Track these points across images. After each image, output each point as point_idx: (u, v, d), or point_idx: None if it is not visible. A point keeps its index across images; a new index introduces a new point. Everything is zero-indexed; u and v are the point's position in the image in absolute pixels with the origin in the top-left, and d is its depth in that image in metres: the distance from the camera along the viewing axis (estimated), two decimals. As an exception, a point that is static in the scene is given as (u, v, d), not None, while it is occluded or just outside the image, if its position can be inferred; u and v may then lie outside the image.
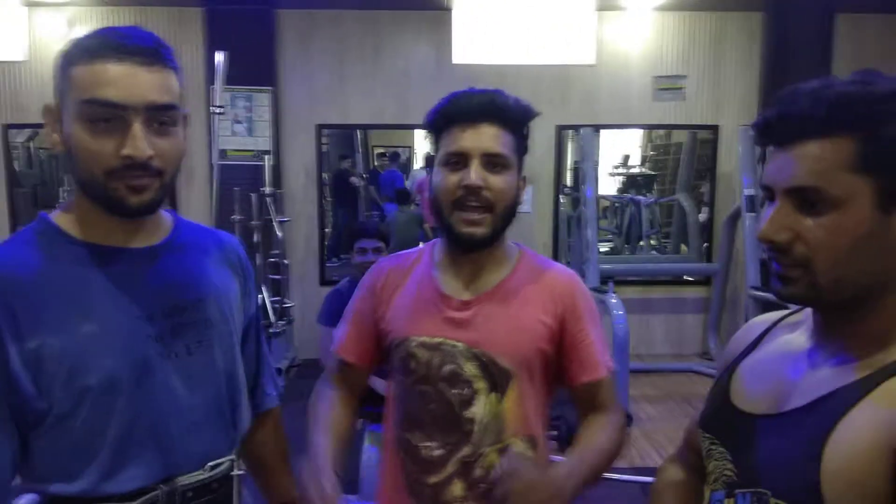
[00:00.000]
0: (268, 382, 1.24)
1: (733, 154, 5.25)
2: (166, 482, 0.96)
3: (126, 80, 0.88)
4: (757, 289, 4.64)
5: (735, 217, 5.03)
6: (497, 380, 1.16)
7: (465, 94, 1.16)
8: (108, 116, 0.88)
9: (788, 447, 0.77)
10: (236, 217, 4.66)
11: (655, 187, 7.75)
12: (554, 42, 4.84)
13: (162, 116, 0.91)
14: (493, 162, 1.13)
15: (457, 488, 1.17)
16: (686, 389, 4.78)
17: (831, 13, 5.01)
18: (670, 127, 5.56)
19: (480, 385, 1.16)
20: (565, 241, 5.59)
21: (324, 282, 5.36)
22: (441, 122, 1.17)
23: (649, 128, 5.84)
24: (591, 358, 1.19)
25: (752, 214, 4.72)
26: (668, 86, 5.24)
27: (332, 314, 3.16)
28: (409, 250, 1.32)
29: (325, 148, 5.56)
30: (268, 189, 4.74)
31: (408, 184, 7.84)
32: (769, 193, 0.79)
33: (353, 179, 7.49)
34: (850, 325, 0.78)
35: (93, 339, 0.91)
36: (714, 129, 5.40)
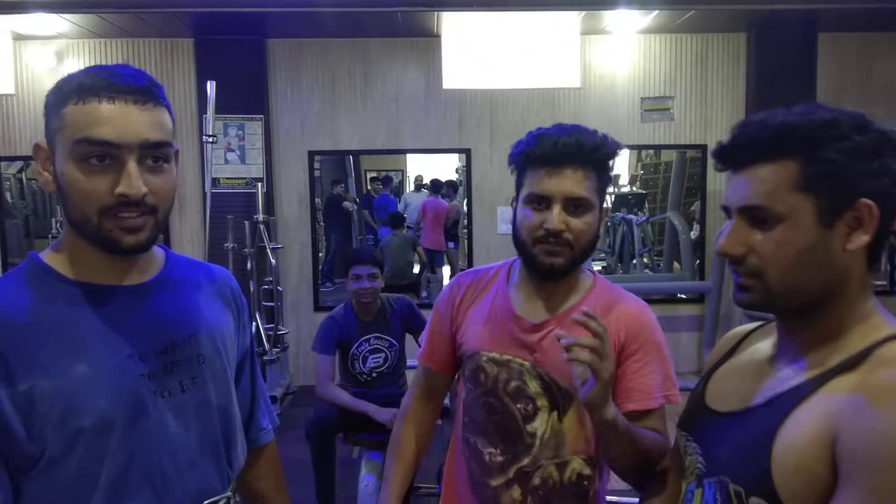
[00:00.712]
0: (263, 416, 1.24)
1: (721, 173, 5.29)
2: None
3: (119, 119, 0.89)
4: (750, 306, 4.66)
5: (726, 235, 5.06)
6: (558, 400, 1.23)
7: (550, 136, 1.19)
8: (102, 155, 0.88)
9: (745, 439, 0.85)
10: (229, 245, 4.66)
11: (647, 206, 7.79)
12: (540, 66, 4.89)
13: (155, 153, 0.92)
14: (574, 204, 1.18)
15: (515, 492, 1.25)
16: (682, 408, 4.76)
17: (813, 33, 5.10)
18: (658, 147, 5.61)
19: (543, 402, 1.24)
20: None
21: (318, 308, 5.34)
22: (525, 160, 1.22)
23: (637, 148, 5.89)
24: (642, 388, 1.22)
25: (743, 232, 4.75)
26: (655, 107, 5.30)
27: (326, 341, 3.16)
28: (486, 266, 1.39)
29: (317, 173, 5.57)
30: (261, 216, 4.74)
31: (400, 207, 7.86)
32: (727, 212, 0.89)
33: (346, 204, 7.50)
34: (804, 329, 0.87)
35: (85, 379, 0.90)
36: (702, 148, 5.45)
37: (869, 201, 0.80)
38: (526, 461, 1.24)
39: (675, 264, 6.49)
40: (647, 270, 7.01)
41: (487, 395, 1.27)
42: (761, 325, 1.02)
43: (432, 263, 7.31)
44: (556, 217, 1.17)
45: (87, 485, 0.90)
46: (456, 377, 1.43)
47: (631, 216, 7.27)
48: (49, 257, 0.97)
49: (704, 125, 5.41)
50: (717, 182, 5.45)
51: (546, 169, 1.18)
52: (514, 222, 1.25)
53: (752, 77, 5.26)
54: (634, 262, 7.15)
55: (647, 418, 1.22)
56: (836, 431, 0.75)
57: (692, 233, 5.92)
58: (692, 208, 6.08)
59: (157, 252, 1.07)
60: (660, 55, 5.35)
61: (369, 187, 8.52)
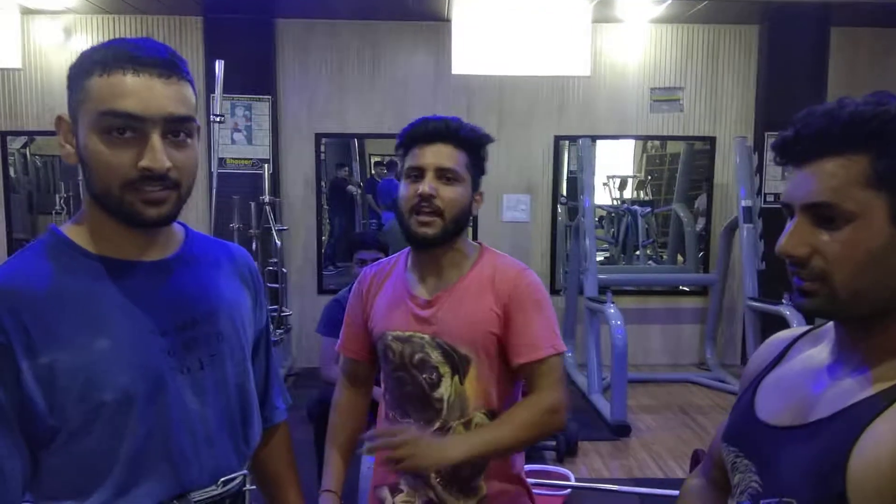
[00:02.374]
0: (277, 396, 1.24)
1: (729, 165, 5.28)
2: (179, 498, 0.95)
3: (144, 92, 0.88)
4: (754, 299, 4.66)
5: (732, 228, 5.06)
6: (458, 364, 1.36)
7: (426, 119, 1.37)
8: (126, 128, 0.87)
9: (813, 457, 0.78)
10: (235, 225, 4.65)
11: (652, 196, 7.78)
12: (551, 54, 4.86)
13: (179, 128, 0.91)
14: (444, 175, 1.32)
15: None
16: (683, 400, 4.79)
17: (826, 27, 5.07)
18: (667, 138, 5.59)
19: (445, 370, 1.36)
20: (563, 250, 5.60)
21: (321, 290, 5.35)
22: (407, 141, 1.37)
23: (646, 139, 5.87)
24: (529, 341, 1.34)
25: (749, 225, 4.75)
26: (664, 97, 5.27)
27: (331, 324, 3.15)
28: (387, 258, 1.54)
29: (322, 157, 5.55)
30: (267, 197, 4.74)
31: (403, 192, 7.83)
32: (788, 210, 0.81)
33: (350, 188, 7.49)
34: (870, 337, 0.80)
35: (106, 354, 0.90)
36: (711, 140, 5.43)
37: None
38: (437, 424, 1.35)
39: (679, 257, 6.49)
40: (650, 262, 7.01)
41: (397, 369, 1.38)
42: (809, 331, 0.96)
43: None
44: (426, 183, 1.30)
45: (106, 460, 0.90)
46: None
47: (635, 207, 7.26)
48: (70, 230, 0.96)
49: (713, 117, 5.39)
50: (724, 175, 5.44)
51: (420, 145, 1.33)
52: (396, 201, 1.38)
53: (763, 70, 5.23)
54: (637, 253, 7.16)
55: (535, 372, 1.34)
56: None
57: (696, 225, 5.92)
58: (696, 202, 6.07)
59: (178, 228, 1.06)
60: (671, 46, 5.32)
61: (373, 172, 8.51)
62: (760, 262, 4.72)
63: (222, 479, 1.00)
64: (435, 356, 1.36)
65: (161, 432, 0.93)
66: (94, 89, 0.88)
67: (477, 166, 1.38)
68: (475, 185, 1.39)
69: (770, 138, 5.14)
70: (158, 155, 0.88)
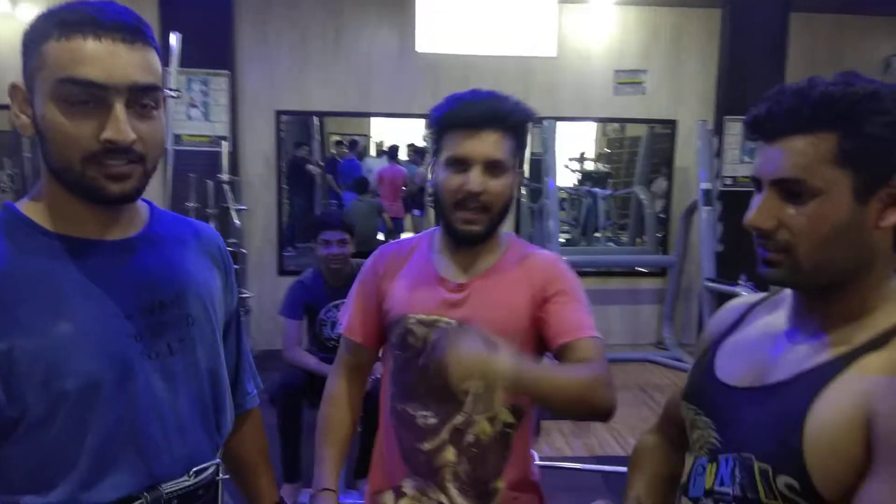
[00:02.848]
0: (248, 380, 1.19)
1: (690, 149, 5.35)
2: (150, 490, 0.90)
3: (107, 59, 0.81)
4: (712, 280, 4.75)
5: (691, 210, 5.13)
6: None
7: (468, 100, 1.22)
8: (87, 97, 0.81)
9: (773, 416, 0.83)
10: (192, 204, 4.51)
11: (610, 182, 7.85)
12: (516, 34, 4.82)
13: (144, 98, 0.85)
14: (492, 167, 1.21)
15: (449, 453, 1.27)
16: (643, 379, 4.87)
17: (786, 12, 5.15)
18: (630, 121, 5.63)
19: None
20: (527, 232, 5.61)
21: (282, 272, 5.26)
22: (444, 124, 1.24)
23: (609, 121, 5.90)
24: (568, 322, 1.25)
25: (709, 208, 4.83)
26: (628, 80, 5.29)
27: (294, 306, 3.10)
28: (410, 237, 1.43)
29: (281, 134, 5.43)
30: (225, 176, 4.60)
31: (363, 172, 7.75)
32: (757, 184, 0.85)
33: (310, 167, 7.35)
34: (828, 305, 0.85)
35: (69, 339, 0.84)
36: (672, 123, 5.48)
37: None
38: (459, 419, 1.26)
39: (637, 238, 6.58)
40: (610, 244, 7.09)
41: (418, 356, 1.26)
42: (764, 298, 1.01)
43: (394, 230, 7.26)
44: (474, 179, 1.20)
45: (71, 451, 0.85)
46: (381, 354, 1.41)
47: (596, 189, 7.32)
48: (26, 207, 0.90)
49: (676, 100, 5.44)
50: (685, 158, 5.50)
51: (464, 132, 1.20)
52: (433, 186, 1.28)
53: (724, 54, 5.29)
54: (597, 234, 7.23)
55: (577, 351, 1.21)
56: (871, 412, 0.74)
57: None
58: (652, 185, 6.15)
59: (142, 206, 1.00)
60: (635, 28, 5.34)
61: (333, 151, 8.37)
62: (718, 245, 4.81)
63: (195, 469, 0.96)
64: None
65: (129, 421, 0.89)
66: (52, 55, 0.81)
67: (522, 147, 1.26)
68: (519, 165, 1.28)
69: (729, 122, 5.23)
70: (122, 126, 0.82)
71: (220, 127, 4.89)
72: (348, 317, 1.40)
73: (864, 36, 5.43)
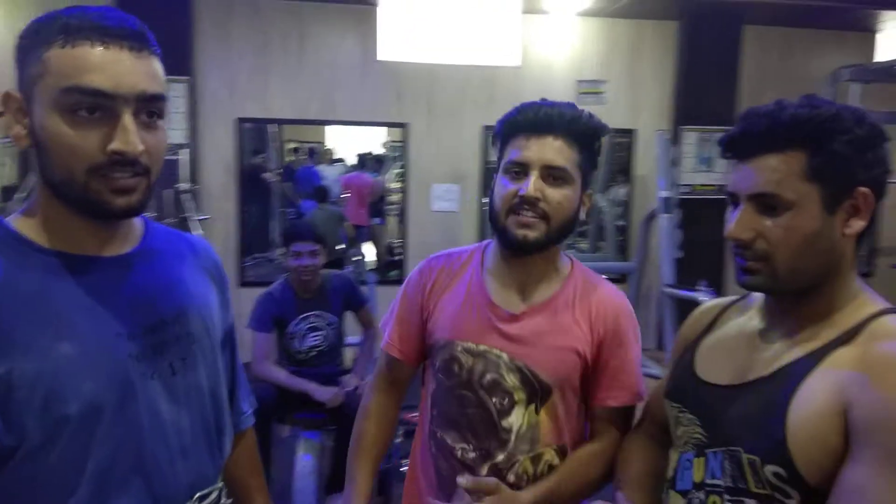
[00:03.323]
0: (244, 399, 1.16)
1: (648, 157, 5.46)
2: None
3: (114, 67, 0.78)
4: (671, 286, 4.85)
5: (651, 218, 5.23)
6: (536, 393, 1.18)
7: (534, 105, 1.17)
8: (93, 106, 0.77)
9: (756, 411, 0.90)
10: (151, 214, 4.38)
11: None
12: (480, 43, 4.84)
13: (151, 108, 0.83)
14: (552, 174, 1.14)
15: None
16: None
17: (739, 25, 5.32)
18: (590, 129, 5.69)
19: (520, 396, 1.18)
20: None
21: (243, 283, 5.14)
22: (508, 130, 1.18)
23: (570, 130, 5.95)
24: (623, 383, 1.21)
25: (668, 216, 4.93)
26: (589, 90, 5.37)
27: (263, 318, 3.03)
28: (458, 249, 1.32)
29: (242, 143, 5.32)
30: (184, 185, 4.49)
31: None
32: (733, 199, 0.93)
33: (267, 175, 7.22)
34: (799, 307, 0.93)
35: (70, 361, 0.80)
36: (631, 133, 5.59)
37: (866, 189, 0.87)
38: (501, 458, 1.19)
39: (597, 244, 6.67)
40: (571, 250, 7.17)
41: (461, 387, 1.20)
42: (734, 301, 1.09)
43: (355, 239, 7.19)
44: (532, 183, 1.12)
45: (70, 478, 0.80)
46: (423, 368, 1.35)
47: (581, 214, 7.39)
48: (19, 223, 0.85)
49: (634, 110, 5.54)
50: (643, 166, 5.61)
51: (526, 136, 1.15)
52: (491, 195, 1.21)
53: (680, 65, 5.43)
54: (557, 242, 7.30)
55: (621, 414, 1.22)
56: (847, 402, 0.82)
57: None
58: (609, 192, 6.23)
59: (136, 220, 0.96)
60: (595, 39, 5.43)
61: (290, 158, 8.24)
62: (677, 251, 4.92)
63: (199, 493, 0.92)
64: (510, 380, 1.17)
65: (132, 444, 0.85)
66: (56, 62, 0.77)
67: (590, 162, 1.19)
68: (585, 185, 1.19)
69: (686, 132, 5.37)
70: (132, 137, 0.79)
71: (180, 134, 4.76)
72: (389, 330, 1.33)
73: (814, 49, 5.64)
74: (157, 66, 0.85)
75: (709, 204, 5.45)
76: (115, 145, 0.78)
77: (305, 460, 2.97)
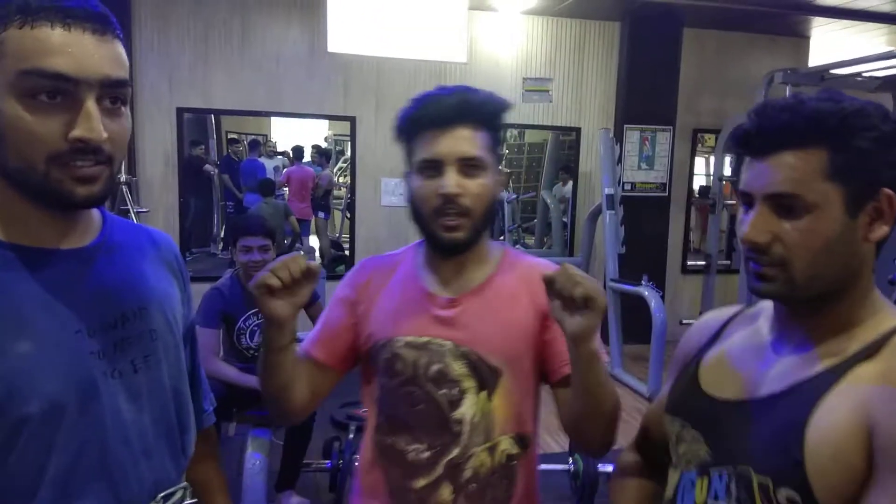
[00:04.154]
0: (205, 398, 1.12)
1: (592, 155, 5.57)
2: None
3: (76, 50, 0.74)
4: (616, 280, 4.97)
5: (595, 214, 5.35)
6: (486, 378, 1.14)
7: (434, 97, 1.12)
8: (54, 91, 0.73)
9: (771, 429, 0.82)
10: (100, 208, 4.20)
11: (512, 185, 8.04)
12: (428, 38, 4.84)
13: (115, 93, 0.79)
14: (468, 165, 1.10)
15: (445, 492, 1.14)
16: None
17: (679, 27, 5.48)
18: (537, 127, 5.79)
19: (469, 384, 1.13)
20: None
21: (185, 278, 5.00)
22: (413, 127, 1.13)
23: (519, 127, 6.04)
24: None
25: (611, 212, 5.05)
26: (535, 87, 5.45)
27: (211, 315, 2.94)
28: (392, 252, 1.27)
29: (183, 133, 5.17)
30: (122, 176, 4.32)
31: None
32: (748, 199, 0.85)
33: (207, 167, 7.03)
34: (815, 317, 0.85)
35: (29, 358, 0.75)
36: (576, 130, 5.69)
37: (890, 192, 0.80)
38: (455, 452, 1.13)
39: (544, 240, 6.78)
40: (519, 246, 7.26)
41: (407, 383, 1.15)
42: (739, 312, 1.03)
43: (300, 234, 7.08)
44: (449, 179, 1.09)
45: (30, 481, 0.76)
46: (364, 376, 1.26)
47: (503, 193, 7.47)
48: None
49: (579, 109, 5.65)
50: (588, 163, 5.73)
51: (433, 131, 1.10)
52: (409, 197, 1.16)
53: (623, 65, 5.56)
54: (503, 237, 7.38)
55: None
56: (871, 422, 0.74)
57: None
58: (553, 189, 6.35)
59: (94, 212, 0.92)
60: (541, 37, 5.50)
61: (229, 150, 8.04)
62: (621, 246, 5.04)
63: (162, 494, 0.89)
64: (457, 368, 1.13)
65: (95, 446, 0.81)
66: (13, 43, 0.73)
67: (498, 141, 1.15)
68: (497, 164, 1.16)
69: (629, 130, 5.50)
70: (95, 124, 0.75)
71: (116, 124, 4.59)
72: (315, 331, 1.24)
73: (749, 52, 5.87)
74: (121, 50, 0.81)
75: (650, 201, 5.62)
76: (77, 132, 0.74)
77: (256, 458, 2.91)
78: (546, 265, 1.20)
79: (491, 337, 1.14)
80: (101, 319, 0.84)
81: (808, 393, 0.81)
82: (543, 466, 3.21)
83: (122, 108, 0.81)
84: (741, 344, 0.96)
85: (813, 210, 0.80)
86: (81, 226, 0.87)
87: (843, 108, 0.79)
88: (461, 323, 1.14)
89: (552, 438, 3.89)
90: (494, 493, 1.15)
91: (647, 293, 4.50)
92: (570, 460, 3.02)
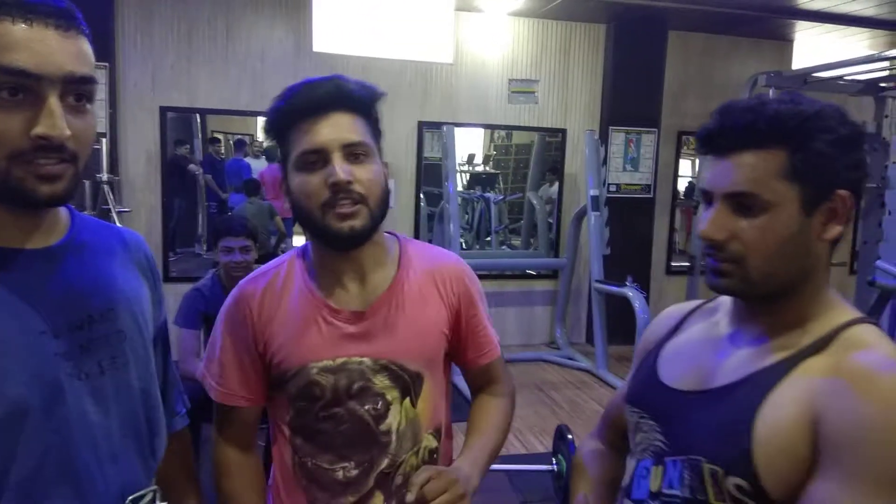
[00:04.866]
0: (177, 399, 1.12)
1: (578, 156, 5.58)
2: None
3: (39, 46, 0.73)
4: (600, 282, 4.98)
5: (581, 215, 5.36)
6: (408, 385, 1.12)
7: (306, 85, 1.05)
8: (16, 88, 0.72)
9: (722, 419, 0.85)
10: (69, 206, 4.16)
11: (500, 185, 8.04)
12: (414, 38, 4.84)
13: (80, 90, 0.78)
14: (355, 152, 1.03)
15: (377, 502, 1.13)
16: (538, 377, 5.02)
17: (664, 30, 5.51)
18: (523, 128, 5.79)
19: (393, 395, 1.11)
20: (425, 236, 5.63)
21: (168, 278, 4.96)
22: (286, 119, 1.06)
23: (504, 128, 6.04)
24: (486, 341, 1.23)
25: (596, 213, 5.06)
26: (521, 89, 5.45)
27: (191, 315, 2.93)
28: (270, 265, 1.18)
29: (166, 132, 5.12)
30: (104, 175, 4.27)
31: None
32: (707, 197, 0.88)
33: (192, 167, 6.97)
34: (770, 312, 0.88)
35: None
36: (562, 132, 5.70)
37: (845, 192, 0.83)
38: (385, 463, 1.11)
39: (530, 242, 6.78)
40: (504, 247, 7.26)
41: (329, 406, 1.09)
42: (699, 305, 1.05)
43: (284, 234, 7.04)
44: (338, 167, 1.01)
45: None
46: (271, 395, 1.18)
47: (489, 194, 7.47)
48: None
49: (565, 110, 5.66)
50: (573, 165, 5.74)
51: (310, 119, 1.03)
52: (290, 197, 1.07)
53: (608, 67, 5.58)
54: (489, 238, 7.38)
55: (493, 369, 1.26)
56: (817, 414, 0.77)
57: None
58: (540, 190, 6.35)
59: (62, 210, 0.91)
60: (528, 39, 5.50)
61: (211, 150, 7.96)
62: (606, 248, 5.06)
63: (130, 497, 0.88)
64: (379, 381, 1.10)
65: (60, 449, 0.80)
66: None
67: (377, 130, 1.10)
68: (380, 153, 1.10)
69: (614, 132, 5.52)
70: (58, 121, 0.74)
71: (99, 123, 4.53)
72: (221, 379, 1.15)
73: (734, 55, 5.91)
74: (86, 46, 0.80)
75: (635, 203, 5.64)
76: (39, 129, 0.73)
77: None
78: (451, 262, 1.21)
79: (408, 344, 1.11)
80: (66, 320, 0.83)
81: (759, 384, 0.83)
82: (527, 467, 3.24)
83: (87, 106, 0.80)
84: (699, 336, 0.98)
85: (770, 209, 0.82)
86: (47, 225, 0.85)
87: (803, 111, 0.82)
88: (374, 336, 1.10)
89: (536, 439, 3.90)
90: None
91: (631, 294, 4.52)
92: (554, 461, 3.03)
